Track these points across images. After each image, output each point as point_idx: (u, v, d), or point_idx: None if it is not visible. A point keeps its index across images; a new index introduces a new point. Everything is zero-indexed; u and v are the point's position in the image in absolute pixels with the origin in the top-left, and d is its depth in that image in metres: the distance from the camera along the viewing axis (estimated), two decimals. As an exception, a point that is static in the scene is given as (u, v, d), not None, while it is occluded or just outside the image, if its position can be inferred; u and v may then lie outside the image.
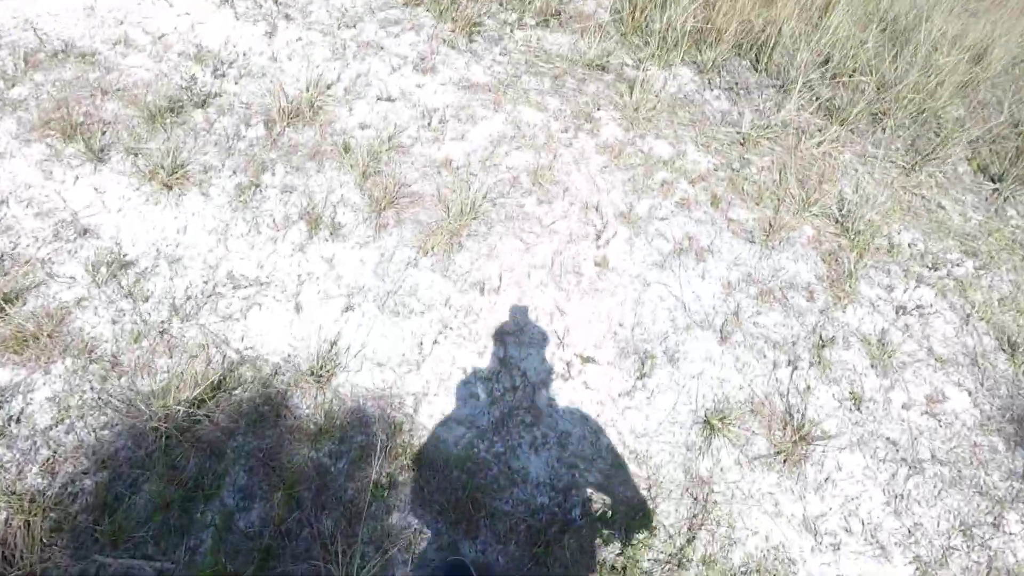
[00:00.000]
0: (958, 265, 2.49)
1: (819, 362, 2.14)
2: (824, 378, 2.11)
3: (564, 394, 1.94)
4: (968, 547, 1.86)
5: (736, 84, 2.92)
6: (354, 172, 2.25)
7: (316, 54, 2.61)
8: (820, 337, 2.21)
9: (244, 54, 2.56)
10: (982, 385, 2.18)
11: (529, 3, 2.98)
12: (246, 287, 1.97)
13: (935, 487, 1.95)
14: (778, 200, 2.52)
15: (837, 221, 2.51)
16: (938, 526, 1.88)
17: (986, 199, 2.81)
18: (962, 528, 1.89)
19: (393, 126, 2.42)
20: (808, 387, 2.09)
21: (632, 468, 1.86)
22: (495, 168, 2.38)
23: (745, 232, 2.40)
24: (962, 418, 2.10)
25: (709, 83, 2.91)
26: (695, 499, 1.85)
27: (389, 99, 2.52)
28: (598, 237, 2.26)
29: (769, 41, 2.96)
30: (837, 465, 1.95)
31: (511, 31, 2.90)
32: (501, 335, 2.00)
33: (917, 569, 1.81)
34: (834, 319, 2.26)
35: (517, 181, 2.35)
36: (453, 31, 2.81)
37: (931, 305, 2.34)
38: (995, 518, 1.92)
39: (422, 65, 2.64)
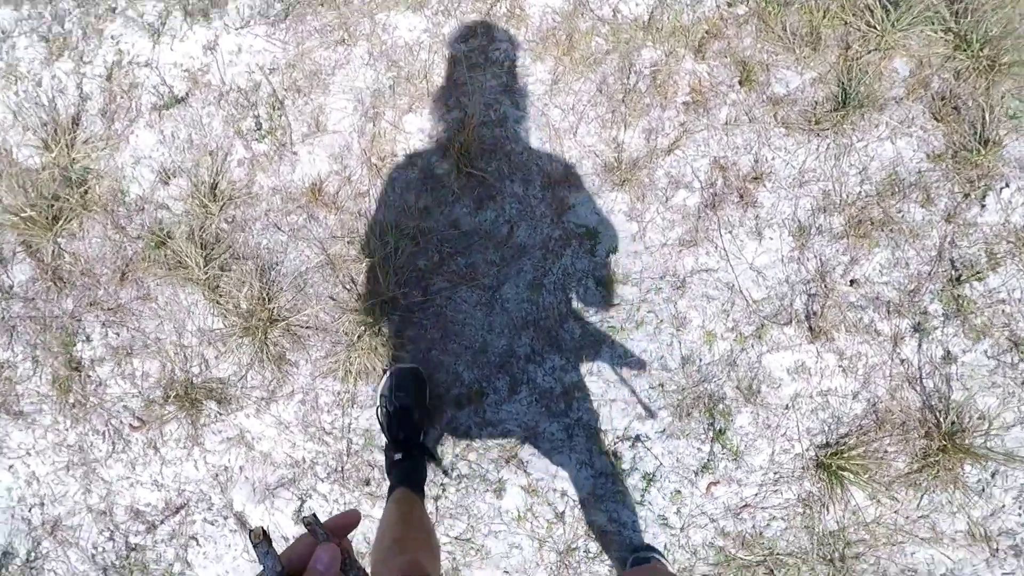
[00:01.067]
0: None
1: (957, 308, 1.50)
2: (967, 330, 1.49)
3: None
4: None
5: None
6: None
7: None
8: (952, 264, 1.52)
9: None
10: None
11: None
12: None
13: None
14: (843, 24, 1.58)
15: (947, 29, 1.58)
16: None
17: None
18: None
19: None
20: (947, 353, 1.49)
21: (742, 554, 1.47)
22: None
23: (803, 119, 1.57)
24: None
25: None
26: (830, 562, 1.47)
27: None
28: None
29: None
30: (1005, 448, 1.46)
31: None
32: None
33: None
34: (969, 223, 1.53)
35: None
36: None
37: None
38: None
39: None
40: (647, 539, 1.47)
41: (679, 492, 1.49)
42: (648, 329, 1.52)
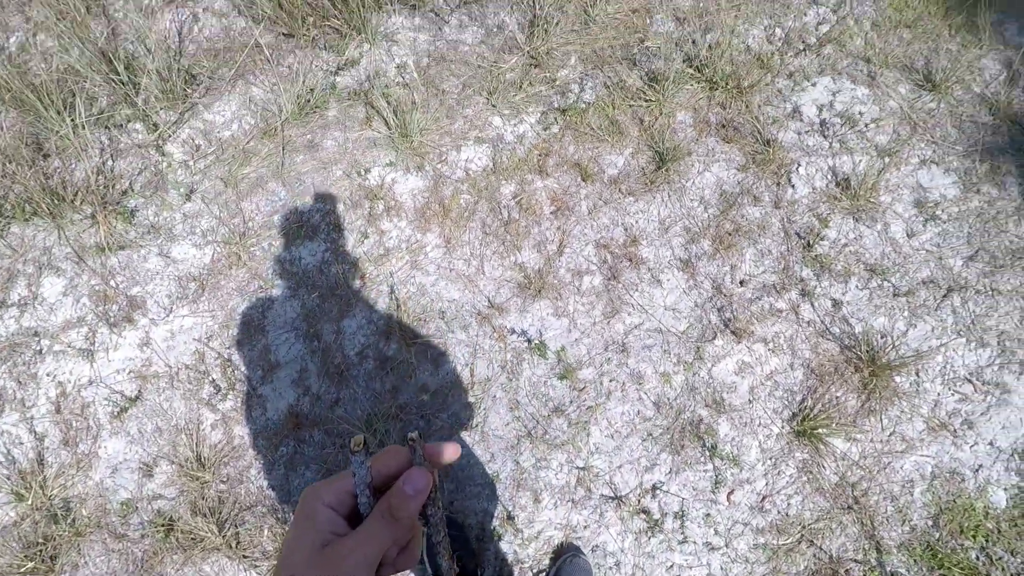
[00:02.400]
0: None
1: (820, 266, 1.91)
2: (836, 277, 1.90)
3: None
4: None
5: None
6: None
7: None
8: (798, 236, 1.95)
9: None
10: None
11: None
12: None
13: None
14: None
15: (699, 80, 2.11)
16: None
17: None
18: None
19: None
20: (834, 301, 1.88)
21: None
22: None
23: (640, 184, 1.99)
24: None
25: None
26: (849, 509, 1.72)
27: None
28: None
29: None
30: (912, 349, 1.82)
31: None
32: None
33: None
34: (791, 202, 1.98)
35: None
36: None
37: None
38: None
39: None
40: (702, 567, 1.65)
41: (708, 515, 1.70)
42: (617, 395, 1.78)
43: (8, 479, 1.78)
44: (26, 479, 1.76)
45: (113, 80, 2.05)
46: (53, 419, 1.84)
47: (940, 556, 1.67)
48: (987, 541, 1.70)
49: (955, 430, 1.79)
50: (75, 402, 1.86)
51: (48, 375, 1.89)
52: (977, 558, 1.69)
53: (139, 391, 1.86)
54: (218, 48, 2.16)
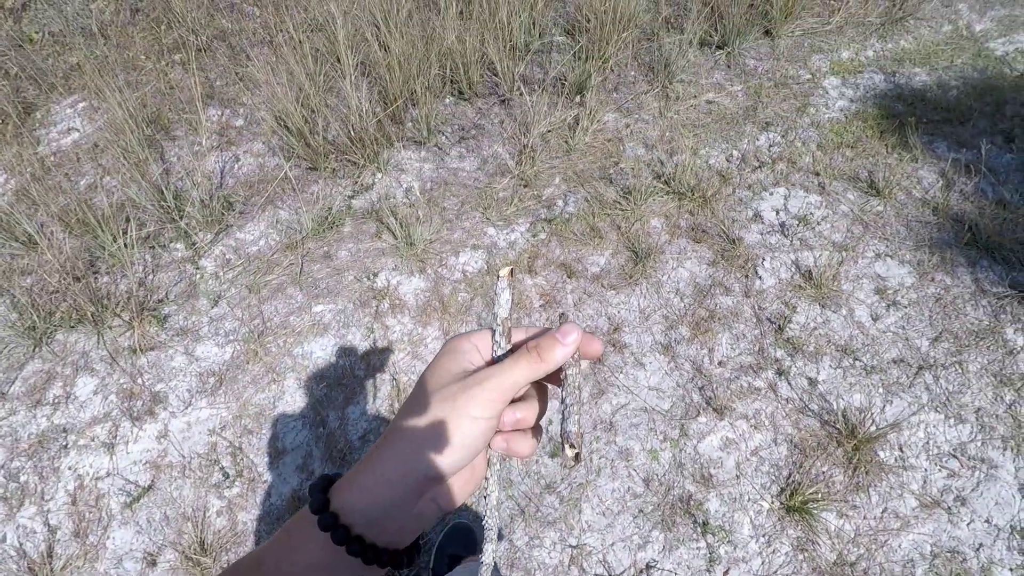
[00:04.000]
0: (776, 144, 2.59)
1: (792, 347, 2.11)
2: (809, 357, 2.09)
3: None
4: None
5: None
6: None
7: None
8: (769, 320, 2.18)
9: None
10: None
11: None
12: None
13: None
14: (615, 225, 2.41)
15: (667, 192, 2.48)
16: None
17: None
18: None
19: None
20: (810, 380, 2.06)
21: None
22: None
23: (620, 279, 2.27)
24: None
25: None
26: (850, 587, 1.74)
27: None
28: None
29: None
30: (888, 420, 1.95)
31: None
32: None
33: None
34: (759, 291, 2.24)
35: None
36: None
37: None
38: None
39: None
40: (706, 652, 1.65)
41: (706, 595, 1.73)
42: (607, 472, 1.90)
43: (17, 573, 1.88)
44: (34, 571, 1.86)
45: (162, 208, 2.48)
46: (68, 511, 1.98)
47: (953, 640, 1.66)
48: (1002, 624, 1.69)
49: (949, 507, 1.86)
50: (91, 494, 2.01)
51: (70, 468, 2.06)
52: (995, 643, 1.67)
53: (152, 481, 2.01)
54: (253, 180, 2.61)
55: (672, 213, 2.43)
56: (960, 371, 2.06)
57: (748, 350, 2.11)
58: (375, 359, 2.16)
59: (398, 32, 2.59)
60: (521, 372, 0.41)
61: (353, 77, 2.48)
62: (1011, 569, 1.76)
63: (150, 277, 2.40)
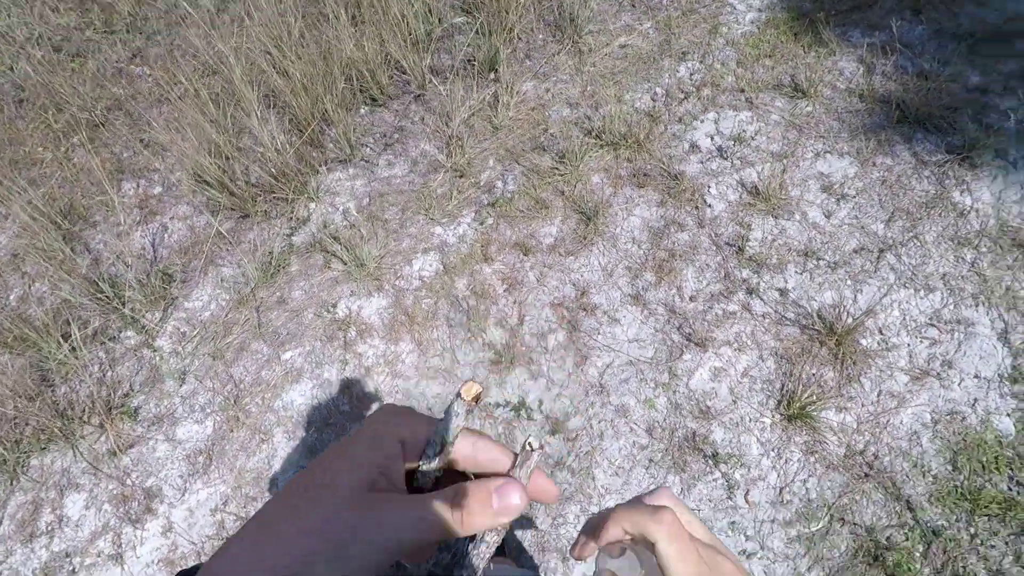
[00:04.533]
0: (692, 70, 2.63)
1: (757, 264, 2.16)
2: (774, 268, 2.14)
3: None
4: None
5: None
6: None
7: None
8: (728, 244, 2.22)
9: None
10: (820, 126, 2.37)
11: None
12: None
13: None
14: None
15: (600, 145, 2.50)
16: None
17: (629, 1, 2.99)
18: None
19: None
20: (781, 290, 2.11)
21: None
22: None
23: (576, 243, 2.29)
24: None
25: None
26: (866, 477, 1.80)
27: None
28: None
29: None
30: (860, 308, 2.01)
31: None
32: None
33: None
34: (711, 219, 2.28)
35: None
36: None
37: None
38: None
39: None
40: (747, 576, 1.70)
41: (733, 523, 1.78)
42: (609, 433, 1.94)
43: None
44: None
45: (101, 300, 2.42)
46: (90, 629, 1.96)
47: (972, 498, 1.74)
48: (1012, 469, 1.78)
49: (938, 373, 1.93)
50: (110, 606, 1.98)
51: (82, 586, 2.03)
52: (1009, 488, 1.76)
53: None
54: (186, 245, 2.56)
55: (611, 165, 2.45)
56: (919, 244, 2.13)
57: (714, 278, 2.15)
58: (356, 389, 2.15)
59: (294, 55, 2.54)
60: (434, 529, 0.34)
61: (259, 112, 2.44)
62: (1008, 414, 1.85)
63: (108, 374, 2.35)
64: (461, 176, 2.51)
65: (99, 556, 2.05)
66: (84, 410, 2.27)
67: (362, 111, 2.76)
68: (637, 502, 0.42)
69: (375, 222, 2.46)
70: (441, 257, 2.35)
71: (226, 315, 2.39)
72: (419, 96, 2.78)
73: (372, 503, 0.33)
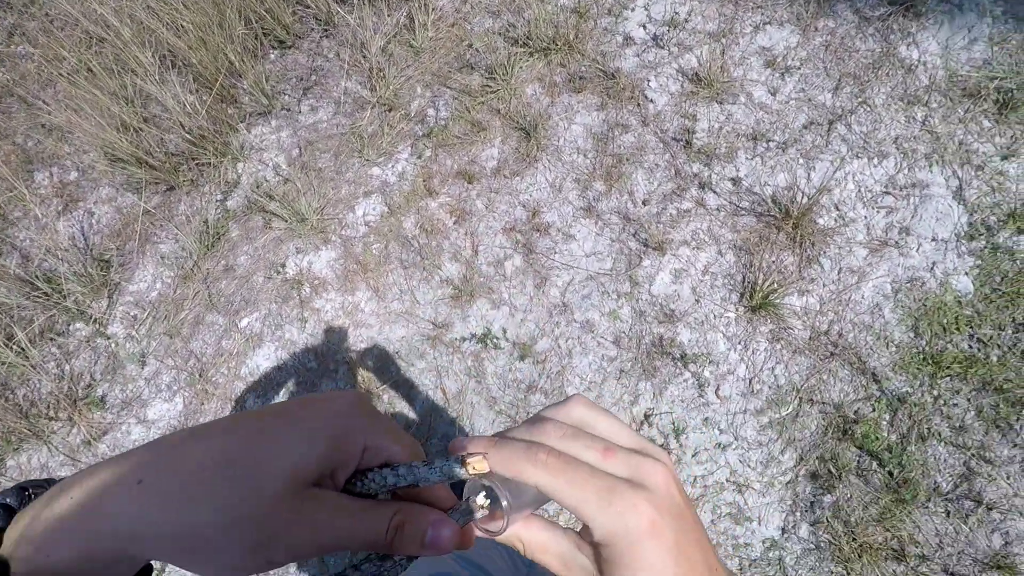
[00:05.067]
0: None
1: (706, 155, 2.09)
2: (725, 157, 2.08)
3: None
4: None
5: None
6: None
7: None
8: (675, 138, 2.14)
9: None
10: None
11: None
12: None
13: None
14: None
15: (528, 53, 2.35)
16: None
17: None
18: (904, 90, 2.01)
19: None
20: (734, 178, 2.06)
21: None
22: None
23: (520, 163, 2.21)
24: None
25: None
26: (832, 356, 1.83)
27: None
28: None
29: None
30: (816, 186, 1.98)
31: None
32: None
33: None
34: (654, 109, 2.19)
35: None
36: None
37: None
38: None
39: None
40: (722, 468, 1.76)
41: (707, 419, 1.82)
42: (577, 350, 1.94)
43: None
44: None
45: (40, 297, 2.32)
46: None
47: (934, 361, 1.77)
48: (971, 327, 1.81)
49: (896, 242, 1.93)
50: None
51: None
52: (970, 347, 1.79)
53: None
54: (117, 228, 2.44)
55: (544, 73, 2.32)
56: (869, 109, 2.06)
57: (665, 177, 2.09)
58: (320, 346, 2.12)
59: (182, 6, 2.33)
60: (360, 540, 0.32)
61: (158, 76, 2.26)
62: (966, 273, 1.86)
63: (66, 368, 2.30)
64: (390, 110, 2.37)
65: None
66: (49, 407, 2.24)
67: (271, 56, 2.57)
68: (536, 421, 0.38)
69: (309, 173, 2.34)
70: (384, 198, 2.26)
71: (174, 292, 2.32)
72: (328, 31, 2.58)
73: (309, 506, 0.31)
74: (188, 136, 2.32)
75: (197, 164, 2.38)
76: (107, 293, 2.36)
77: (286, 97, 2.49)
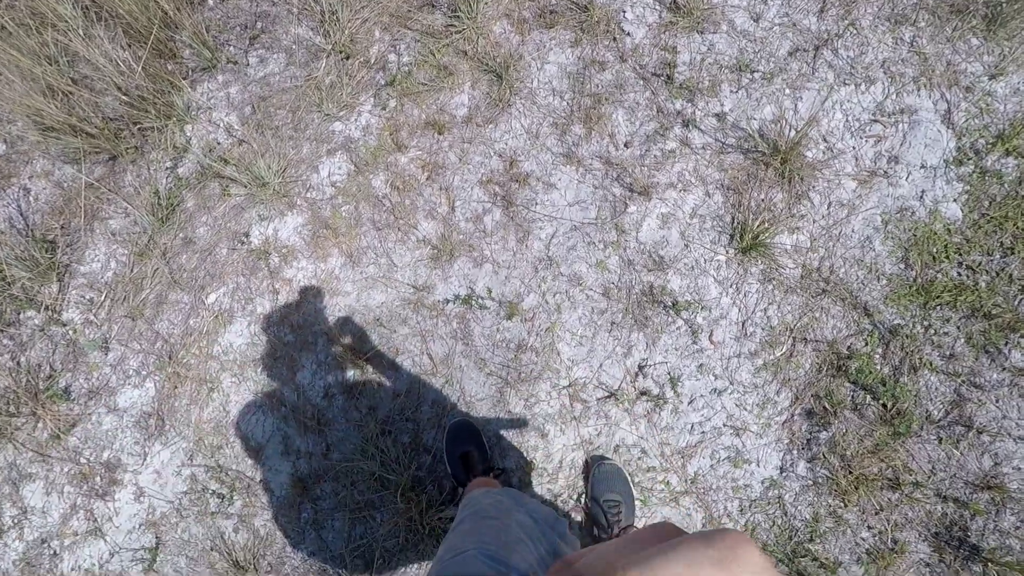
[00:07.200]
0: None
1: (688, 91, 2.03)
2: (708, 93, 2.02)
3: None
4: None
5: None
6: None
7: None
8: (653, 73, 2.07)
9: None
10: None
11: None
12: None
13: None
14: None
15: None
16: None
17: None
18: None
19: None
20: (719, 114, 2.00)
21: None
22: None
23: (486, 120, 2.12)
24: None
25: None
26: (823, 293, 1.85)
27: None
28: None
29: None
30: (803, 118, 1.95)
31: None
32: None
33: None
34: (631, 47, 2.10)
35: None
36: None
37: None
38: None
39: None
40: (719, 413, 1.80)
41: (701, 365, 1.84)
42: (566, 305, 1.92)
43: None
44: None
45: (-17, 285, 2.20)
46: (95, 606, 2.00)
47: (925, 291, 1.80)
48: (960, 254, 1.83)
49: (885, 172, 1.92)
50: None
51: (73, 570, 2.05)
52: (959, 274, 1.82)
53: (157, 537, 2.01)
54: (59, 205, 2.29)
55: (512, 9, 2.20)
56: (855, 31, 2.01)
57: (647, 117, 2.03)
58: (295, 317, 2.07)
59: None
60: None
61: (82, 30, 2.07)
62: (955, 199, 1.88)
63: (22, 359, 2.20)
64: (347, 58, 2.23)
65: (76, 535, 2.06)
66: (9, 402, 2.16)
67: (209, 3, 2.38)
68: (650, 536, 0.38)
69: (265, 132, 2.21)
70: (349, 156, 2.16)
71: (131, 271, 2.21)
72: (274, -33, 2.39)
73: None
74: (125, 98, 2.16)
75: (140, 129, 2.23)
76: (56, 276, 2.24)
77: (231, 48, 2.32)
